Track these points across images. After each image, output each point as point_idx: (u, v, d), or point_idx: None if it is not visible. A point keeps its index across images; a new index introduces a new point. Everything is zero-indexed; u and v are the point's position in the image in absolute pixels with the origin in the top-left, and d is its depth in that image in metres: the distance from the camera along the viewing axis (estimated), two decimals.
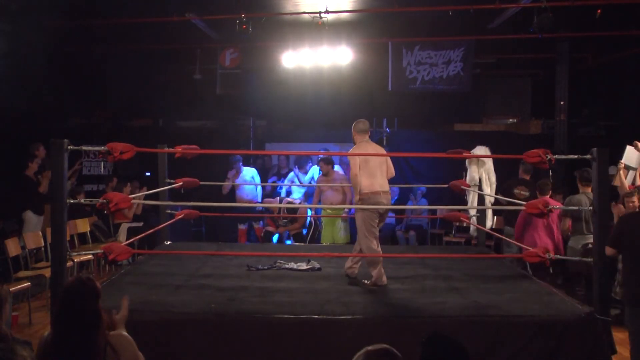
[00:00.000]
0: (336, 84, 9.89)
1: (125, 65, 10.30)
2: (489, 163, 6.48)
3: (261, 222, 8.34)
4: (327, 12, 8.14)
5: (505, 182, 7.10)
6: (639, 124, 10.03)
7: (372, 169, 4.85)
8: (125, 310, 2.72)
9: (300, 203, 8.20)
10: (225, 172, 8.63)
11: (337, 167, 8.30)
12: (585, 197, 5.82)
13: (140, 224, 8.51)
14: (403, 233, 9.51)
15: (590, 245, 5.39)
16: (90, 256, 7.15)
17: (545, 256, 4.35)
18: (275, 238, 8.13)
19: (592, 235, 5.03)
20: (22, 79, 7.88)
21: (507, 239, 6.49)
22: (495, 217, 8.18)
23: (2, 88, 7.50)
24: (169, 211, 6.45)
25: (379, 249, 4.86)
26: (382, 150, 5.20)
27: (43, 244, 6.86)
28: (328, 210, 7.61)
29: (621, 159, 5.56)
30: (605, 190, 4.19)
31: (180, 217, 6.35)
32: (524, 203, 4.75)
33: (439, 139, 10.75)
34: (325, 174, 7.44)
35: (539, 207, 4.41)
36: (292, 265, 5.33)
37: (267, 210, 8.24)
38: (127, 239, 7.39)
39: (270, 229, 8.04)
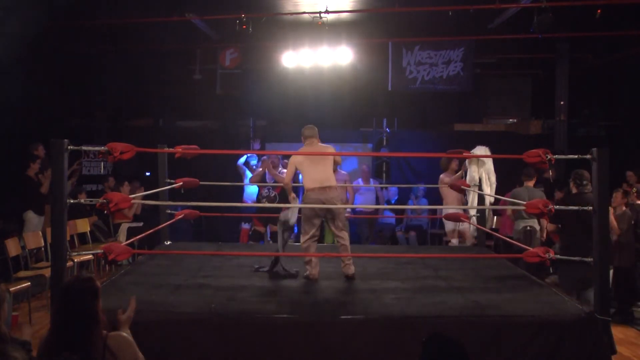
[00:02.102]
0: (336, 84, 9.89)
1: (126, 65, 10.30)
2: (489, 163, 6.49)
3: (247, 224, 8.18)
4: (327, 12, 8.15)
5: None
6: (639, 124, 10.05)
7: (306, 169, 5.00)
8: (132, 311, 2.72)
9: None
10: (226, 172, 8.62)
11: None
12: (525, 190, 6.66)
13: (140, 224, 8.50)
14: (403, 233, 9.51)
15: (529, 227, 6.73)
16: (90, 256, 7.16)
17: (545, 256, 4.35)
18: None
19: (530, 220, 6.63)
20: (22, 79, 7.88)
21: (506, 238, 6.51)
22: (495, 217, 8.19)
23: (1, 88, 7.50)
24: (169, 211, 6.45)
25: (307, 245, 4.93)
26: (326, 149, 5.20)
27: (43, 244, 6.86)
28: None
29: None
30: (605, 190, 4.19)
31: (180, 217, 6.35)
32: (524, 203, 4.75)
33: (439, 139, 10.75)
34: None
35: (538, 207, 4.41)
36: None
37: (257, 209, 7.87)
38: (127, 239, 7.39)
39: (259, 228, 7.80)
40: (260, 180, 7.57)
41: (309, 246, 4.96)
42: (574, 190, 5.38)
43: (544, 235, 7.06)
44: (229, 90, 10.48)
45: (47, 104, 9.42)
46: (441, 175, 7.59)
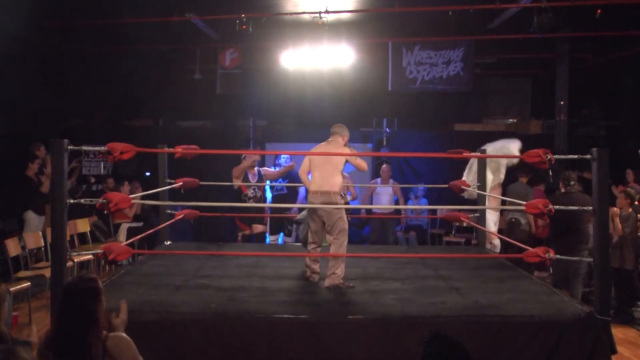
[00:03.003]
0: (336, 84, 9.89)
1: (126, 65, 10.29)
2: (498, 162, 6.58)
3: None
4: (327, 12, 8.14)
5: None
6: (639, 124, 10.05)
7: (312, 170, 4.94)
8: (124, 314, 2.70)
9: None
10: (225, 172, 8.59)
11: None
12: (515, 186, 7.19)
13: (140, 224, 8.50)
14: (403, 233, 9.50)
15: (513, 219, 7.23)
16: (90, 256, 7.15)
17: (545, 256, 4.35)
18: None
19: (516, 212, 7.11)
20: (22, 79, 7.88)
21: (507, 238, 6.51)
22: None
23: (1, 88, 7.51)
24: (169, 211, 6.45)
25: (310, 248, 4.98)
26: (333, 149, 4.91)
27: (43, 244, 6.86)
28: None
29: None
30: (605, 190, 4.19)
31: (180, 217, 6.35)
32: (524, 203, 4.75)
33: (439, 139, 10.75)
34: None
35: (538, 207, 4.41)
36: None
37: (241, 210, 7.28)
38: (127, 239, 7.38)
39: (245, 232, 7.37)
40: (242, 176, 7.02)
41: (310, 250, 4.96)
42: (562, 190, 5.79)
43: (533, 228, 7.32)
44: (229, 90, 10.47)
45: (47, 104, 9.41)
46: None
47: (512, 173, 7.39)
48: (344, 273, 4.73)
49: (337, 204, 4.81)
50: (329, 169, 4.84)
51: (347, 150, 4.94)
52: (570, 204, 5.33)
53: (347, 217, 5.02)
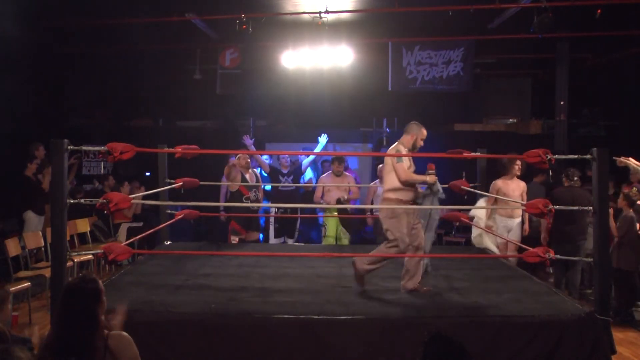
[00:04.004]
0: (336, 84, 9.88)
1: (126, 65, 10.30)
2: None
3: None
4: (327, 12, 8.14)
5: None
6: (639, 124, 10.05)
7: None
8: (121, 316, 2.71)
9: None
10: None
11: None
12: (535, 185, 7.45)
13: (140, 224, 8.50)
14: None
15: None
16: (90, 256, 7.15)
17: (545, 256, 4.35)
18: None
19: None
20: (23, 80, 7.88)
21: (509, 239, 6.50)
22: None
23: (2, 88, 7.50)
24: (169, 211, 6.45)
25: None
26: (391, 150, 4.75)
27: (43, 244, 6.86)
28: (334, 212, 7.33)
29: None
30: (605, 190, 4.19)
31: (180, 217, 6.35)
32: (525, 203, 4.75)
33: (439, 139, 10.73)
34: (339, 174, 7.28)
35: (538, 207, 4.41)
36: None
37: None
38: (127, 239, 7.38)
39: (242, 236, 6.96)
40: (231, 175, 6.67)
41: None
42: (566, 184, 6.46)
43: (543, 235, 7.07)
44: (229, 90, 10.47)
45: (47, 104, 9.42)
46: (498, 182, 6.63)
47: (528, 173, 7.40)
48: (365, 271, 4.61)
49: (387, 210, 4.57)
50: (384, 172, 4.75)
51: (402, 151, 4.66)
52: (571, 196, 6.15)
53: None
